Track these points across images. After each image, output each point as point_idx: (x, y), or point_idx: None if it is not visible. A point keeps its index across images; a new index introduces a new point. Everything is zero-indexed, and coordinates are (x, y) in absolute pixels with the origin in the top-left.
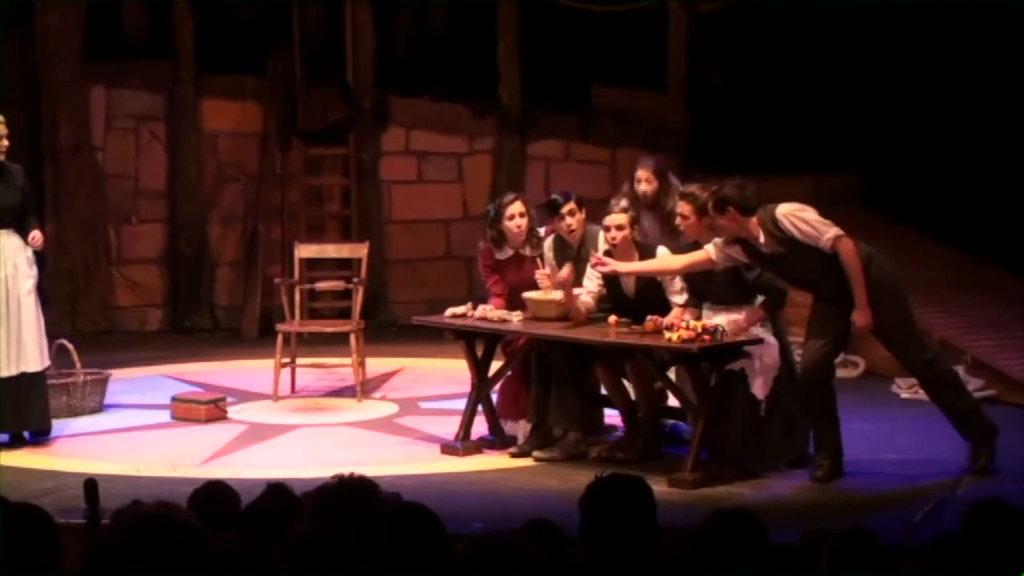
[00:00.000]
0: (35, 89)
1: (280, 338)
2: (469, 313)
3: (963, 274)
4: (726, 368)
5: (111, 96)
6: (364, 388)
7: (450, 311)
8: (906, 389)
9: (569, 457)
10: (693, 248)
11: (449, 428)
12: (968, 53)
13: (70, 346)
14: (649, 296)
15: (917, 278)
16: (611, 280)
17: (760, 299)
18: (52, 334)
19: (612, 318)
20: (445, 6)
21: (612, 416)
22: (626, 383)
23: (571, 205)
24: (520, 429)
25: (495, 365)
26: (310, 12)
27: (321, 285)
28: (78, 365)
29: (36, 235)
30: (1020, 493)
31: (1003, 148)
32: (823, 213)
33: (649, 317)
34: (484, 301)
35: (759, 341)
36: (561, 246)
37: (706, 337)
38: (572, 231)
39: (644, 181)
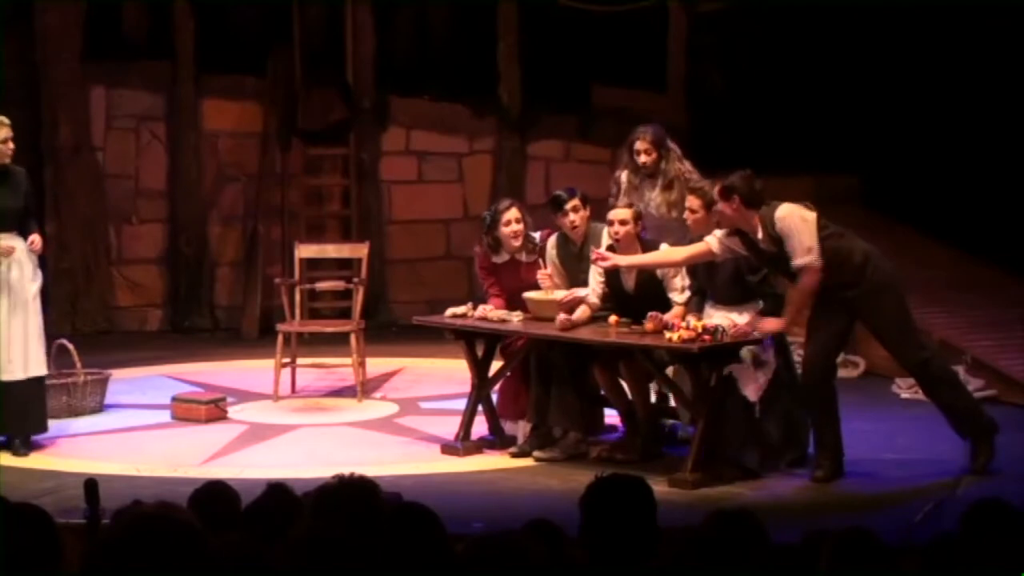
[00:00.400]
0: (35, 89)
1: (280, 338)
2: (469, 313)
3: (963, 274)
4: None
5: (111, 96)
6: (364, 388)
7: (450, 311)
8: (906, 389)
9: (569, 457)
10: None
11: (449, 428)
12: (968, 53)
13: (70, 346)
14: (649, 292)
15: (917, 278)
16: (612, 276)
17: (760, 305)
18: (52, 334)
19: (612, 318)
20: (445, 6)
21: (612, 416)
22: (623, 383)
23: (575, 201)
24: (520, 429)
25: (495, 365)
26: (310, 12)
27: (321, 285)
28: (78, 365)
29: (35, 239)
30: (1020, 493)
31: (1003, 148)
32: (823, 213)
33: (650, 314)
34: (484, 301)
35: (759, 341)
36: (564, 244)
37: (706, 337)
38: (575, 227)
39: (644, 153)
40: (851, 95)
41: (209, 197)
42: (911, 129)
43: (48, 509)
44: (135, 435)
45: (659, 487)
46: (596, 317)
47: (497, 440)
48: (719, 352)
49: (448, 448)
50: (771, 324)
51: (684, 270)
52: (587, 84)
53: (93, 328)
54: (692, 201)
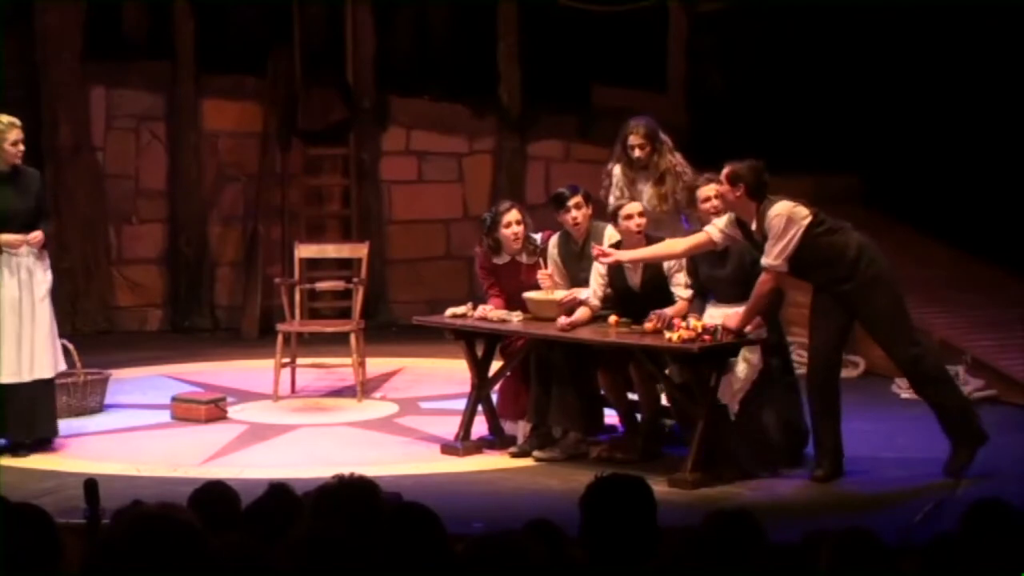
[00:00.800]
0: (35, 89)
1: (280, 338)
2: (469, 313)
3: (963, 274)
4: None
5: (111, 96)
6: (364, 388)
7: (450, 311)
8: (906, 389)
9: (569, 457)
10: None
11: (449, 428)
12: (968, 53)
13: (70, 346)
14: (655, 290)
15: (917, 278)
16: (616, 275)
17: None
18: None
19: (612, 318)
20: (445, 6)
21: (612, 416)
22: (633, 383)
23: (578, 199)
24: (520, 429)
25: (495, 365)
26: (310, 12)
27: (321, 285)
28: (78, 365)
29: (34, 234)
30: (1020, 493)
31: (1003, 148)
32: (824, 212)
33: (653, 312)
34: (484, 301)
35: (756, 341)
36: (566, 243)
37: (706, 337)
38: (577, 224)
39: (638, 147)
40: (851, 95)
41: (209, 197)
42: (911, 129)
43: (48, 509)
44: (135, 435)
45: (659, 487)
46: (596, 317)
47: (497, 440)
48: (719, 352)
49: (448, 448)
50: (730, 321)
51: (686, 268)
52: (587, 84)
53: (93, 328)
54: (709, 190)
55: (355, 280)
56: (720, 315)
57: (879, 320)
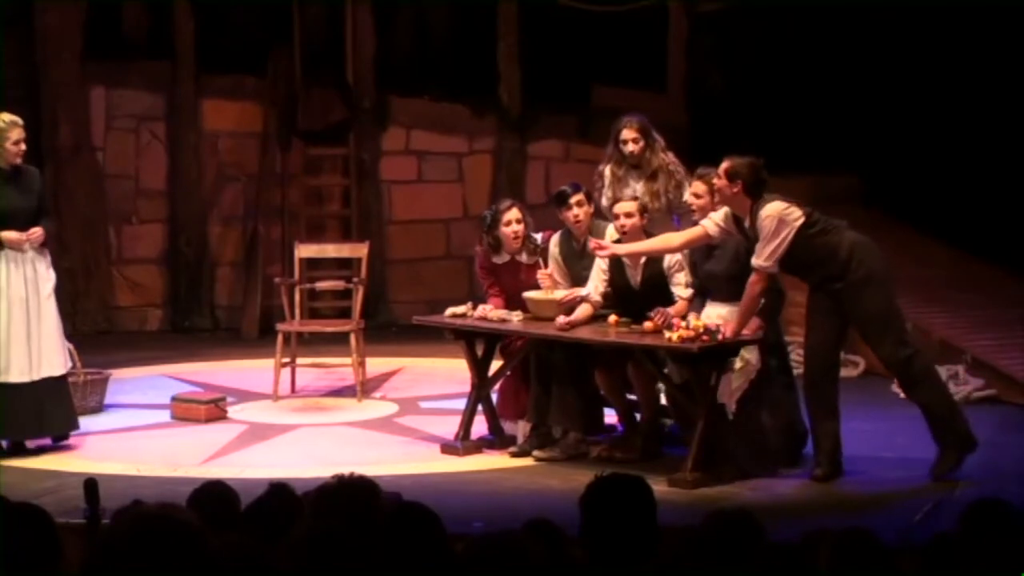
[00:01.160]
0: (35, 89)
1: (280, 338)
2: (469, 313)
3: (963, 274)
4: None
5: (111, 96)
6: (364, 388)
7: (450, 311)
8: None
9: (569, 457)
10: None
11: (449, 428)
12: (968, 53)
13: (70, 346)
14: (654, 288)
15: (917, 278)
16: (616, 272)
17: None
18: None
19: (612, 318)
20: (445, 6)
21: (612, 416)
22: (632, 383)
23: (580, 196)
24: (520, 429)
25: (495, 365)
26: (310, 12)
27: (321, 285)
28: (78, 365)
29: (35, 230)
30: (1020, 493)
31: (1003, 148)
32: (823, 212)
33: (657, 309)
34: (484, 301)
35: (755, 341)
36: (567, 241)
37: (705, 337)
38: (578, 222)
39: (631, 141)
40: (851, 95)
41: (209, 197)
42: (911, 129)
43: (48, 509)
44: (135, 435)
45: (659, 487)
46: (596, 316)
47: (497, 440)
48: (719, 352)
49: (448, 448)
50: (727, 329)
51: (688, 267)
52: (587, 84)
53: (93, 328)
54: (698, 187)
55: (355, 280)
56: (716, 314)
57: (868, 320)
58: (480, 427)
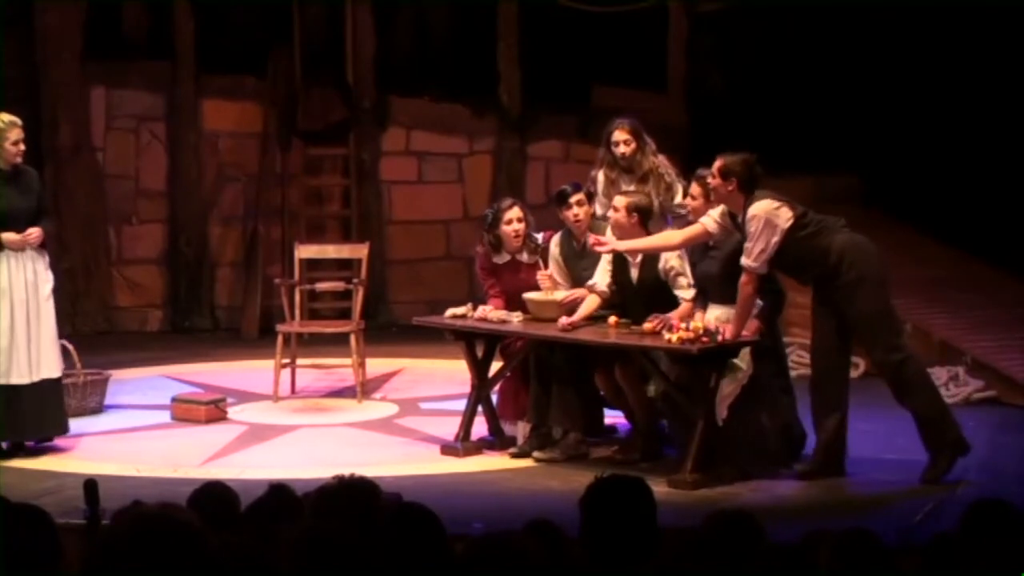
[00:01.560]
0: (35, 89)
1: (280, 338)
2: (469, 314)
3: (963, 274)
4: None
5: (111, 96)
6: (364, 389)
7: (450, 312)
8: None
9: (569, 458)
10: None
11: (449, 428)
12: (968, 53)
13: (70, 346)
14: (652, 288)
15: (917, 278)
16: (618, 268)
17: (759, 304)
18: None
19: (612, 319)
20: (445, 6)
21: (612, 416)
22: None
23: (580, 196)
24: (520, 430)
25: (495, 366)
26: (310, 12)
27: (321, 286)
28: (78, 365)
29: (33, 230)
30: (1020, 493)
31: (1003, 148)
32: (824, 213)
33: (655, 316)
34: (484, 302)
35: (754, 342)
36: (568, 242)
37: (705, 339)
38: (578, 221)
39: (623, 143)
40: (851, 95)
41: (209, 197)
42: (911, 129)
43: (48, 509)
44: (135, 435)
45: (659, 487)
46: (596, 318)
47: (497, 441)
48: (718, 353)
49: (448, 449)
50: (727, 329)
51: (689, 269)
52: (587, 84)
53: (93, 328)
54: (694, 188)
55: (355, 281)
56: (714, 316)
57: (859, 323)
58: (480, 428)
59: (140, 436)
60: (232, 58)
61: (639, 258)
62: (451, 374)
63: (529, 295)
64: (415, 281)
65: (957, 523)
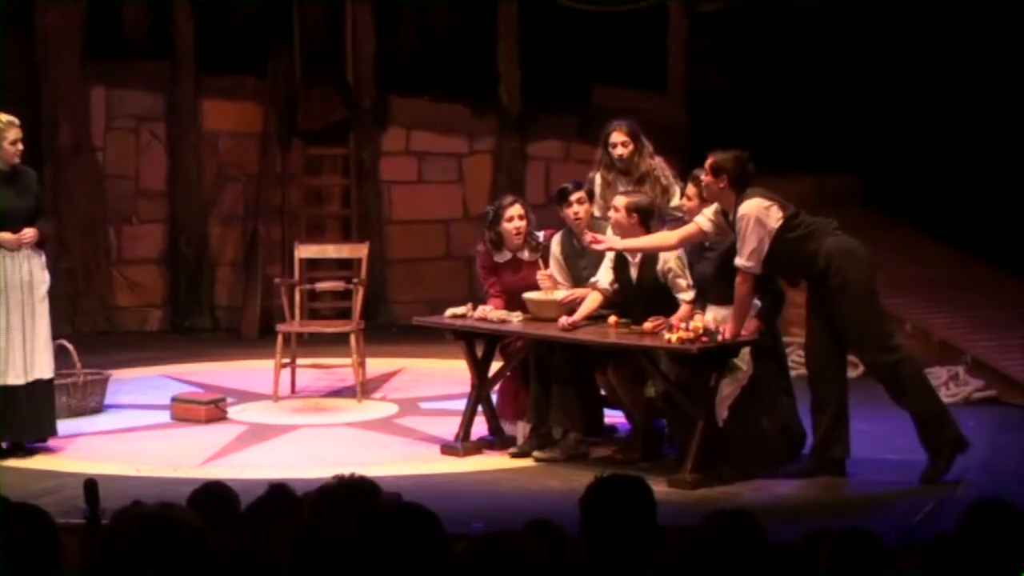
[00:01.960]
0: (35, 89)
1: (280, 338)
2: (469, 314)
3: (963, 274)
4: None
5: (111, 96)
6: (364, 388)
7: (450, 311)
8: None
9: (569, 458)
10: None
11: (449, 428)
12: (968, 53)
13: (70, 346)
14: (651, 288)
15: (917, 278)
16: (619, 268)
17: (757, 304)
18: (52, 334)
19: (612, 319)
20: (445, 6)
21: (612, 417)
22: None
23: (580, 194)
24: (520, 429)
25: (495, 366)
26: (310, 12)
27: (321, 285)
28: (78, 365)
29: (28, 230)
30: (1020, 493)
31: (1003, 148)
32: (822, 213)
33: (657, 317)
34: (484, 301)
35: (753, 341)
36: (568, 240)
37: (705, 338)
38: (578, 219)
39: (621, 144)
40: (851, 95)
41: (209, 197)
42: (911, 129)
43: (48, 509)
44: (135, 435)
45: (659, 487)
46: (596, 317)
47: (497, 440)
48: (718, 353)
49: (448, 448)
50: (727, 329)
51: (688, 270)
52: (587, 84)
53: (93, 328)
54: (689, 189)
55: (355, 281)
56: (712, 317)
57: (848, 327)
58: (480, 428)
59: (140, 436)
60: (232, 58)
61: (638, 258)
62: (451, 374)
63: (529, 295)
64: (415, 281)
65: (957, 523)
